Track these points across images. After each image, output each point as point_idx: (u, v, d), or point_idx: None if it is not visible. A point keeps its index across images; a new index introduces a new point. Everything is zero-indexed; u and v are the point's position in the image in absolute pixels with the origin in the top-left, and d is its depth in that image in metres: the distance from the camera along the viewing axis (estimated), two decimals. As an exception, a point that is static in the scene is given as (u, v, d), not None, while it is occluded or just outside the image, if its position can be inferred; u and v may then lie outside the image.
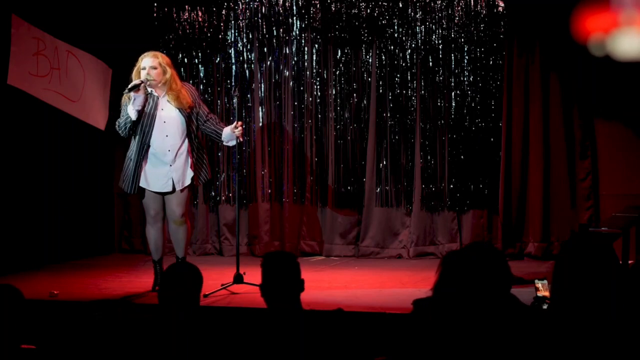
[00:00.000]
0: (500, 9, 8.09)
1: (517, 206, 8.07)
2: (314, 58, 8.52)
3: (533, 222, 8.05)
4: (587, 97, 7.88)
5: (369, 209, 8.46)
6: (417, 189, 8.34)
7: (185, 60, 8.74)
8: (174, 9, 8.72)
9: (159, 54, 6.81)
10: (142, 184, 6.68)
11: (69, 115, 7.22)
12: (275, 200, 8.65)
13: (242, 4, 8.62)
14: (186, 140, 6.65)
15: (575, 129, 7.96)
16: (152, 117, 6.59)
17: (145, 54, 6.73)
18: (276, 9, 8.55)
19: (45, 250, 8.12)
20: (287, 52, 8.55)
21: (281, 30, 8.56)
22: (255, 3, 8.58)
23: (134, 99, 6.52)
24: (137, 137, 6.62)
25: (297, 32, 8.54)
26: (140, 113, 6.56)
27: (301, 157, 8.59)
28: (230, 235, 8.62)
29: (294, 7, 8.51)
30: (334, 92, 8.50)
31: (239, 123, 6.67)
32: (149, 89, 6.60)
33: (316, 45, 8.52)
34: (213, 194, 8.72)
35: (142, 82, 6.53)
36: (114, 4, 8.58)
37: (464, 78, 8.22)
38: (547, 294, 3.19)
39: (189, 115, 6.65)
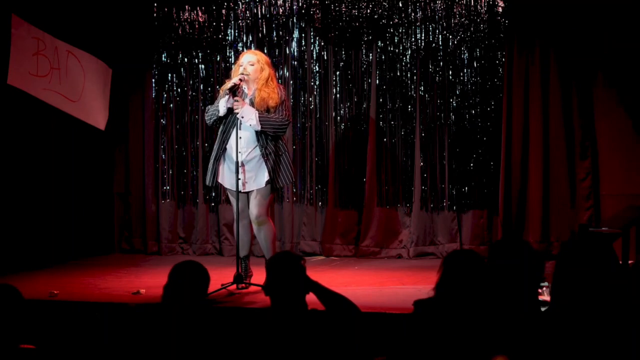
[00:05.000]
0: (500, 9, 8.09)
1: (517, 206, 8.07)
2: (314, 58, 8.52)
3: (533, 222, 8.04)
4: (586, 97, 7.87)
5: (369, 209, 8.45)
6: (417, 189, 8.33)
7: (185, 60, 8.74)
8: (174, 9, 8.71)
9: (258, 51, 6.95)
10: (220, 179, 6.72)
11: (69, 115, 7.22)
12: (276, 200, 8.65)
13: (242, 4, 8.62)
14: (260, 143, 6.58)
15: (575, 129, 7.95)
16: (235, 117, 6.57)
17: (246, 51, 6.92)
18: (276, 9, 8.55)
19: (46, 250, 8.12)
20: (287, 52, 8.55)
21: (281, 30, 8.56)
22: (255, 3, 8.58)
23: (228, 98, 6.53)
24: (220, 132, 6.69)
25: (297, 32, 8.54)
26: (230, 111, 6.57)
27: (301, 157, 8.58)
28: (230, 235, 8.59)
29: (294, 7, 8.50)
30: (334, 92, 8.49)
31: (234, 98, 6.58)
32: (244, 86, 6.64)
33: (316, 46, 8.52)
34: (213, 194, 8.72)
35: (240, 81, 6.55)
36: (114, 4, 8.58)
37: (464, 78, 8.22)
38: (547, 298, 3.18)
39: None
